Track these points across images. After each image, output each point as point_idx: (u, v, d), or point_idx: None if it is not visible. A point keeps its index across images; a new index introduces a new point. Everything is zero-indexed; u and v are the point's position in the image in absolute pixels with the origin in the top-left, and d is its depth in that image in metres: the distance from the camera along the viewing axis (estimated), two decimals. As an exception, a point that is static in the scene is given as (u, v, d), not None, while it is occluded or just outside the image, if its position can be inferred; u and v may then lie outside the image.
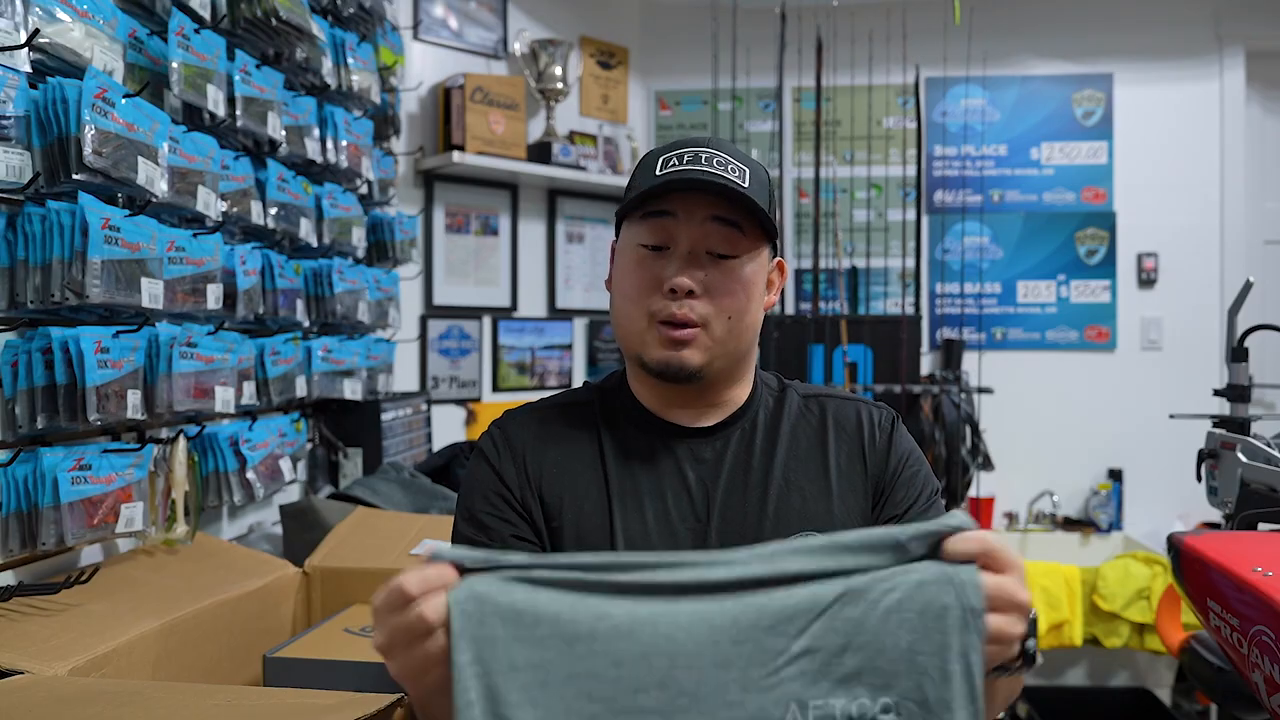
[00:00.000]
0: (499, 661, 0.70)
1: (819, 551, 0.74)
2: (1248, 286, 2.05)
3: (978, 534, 0.73)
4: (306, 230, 2.08)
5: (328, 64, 2.18)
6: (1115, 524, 3.59)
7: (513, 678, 0.70)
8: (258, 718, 0.95)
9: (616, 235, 1.10)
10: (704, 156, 1.01)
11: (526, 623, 0.70)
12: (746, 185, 1.01)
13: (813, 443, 1.07)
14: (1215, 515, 2.23)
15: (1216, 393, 2.12)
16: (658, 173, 1.02)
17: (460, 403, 3.19)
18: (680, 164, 1.01)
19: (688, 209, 1.01)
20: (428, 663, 0.69)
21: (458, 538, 1.04)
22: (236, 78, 1.79)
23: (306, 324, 2.15)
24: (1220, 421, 1.99)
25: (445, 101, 3.03)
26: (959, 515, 0.74)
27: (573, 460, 1.06)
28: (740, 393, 1.09)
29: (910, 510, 1.05)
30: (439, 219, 3.12)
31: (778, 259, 1.11)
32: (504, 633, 0.70)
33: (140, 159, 1.42)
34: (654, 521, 1.02)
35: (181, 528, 1.61)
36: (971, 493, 3.38)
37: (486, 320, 3.29)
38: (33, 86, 1.30)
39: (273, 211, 1.95)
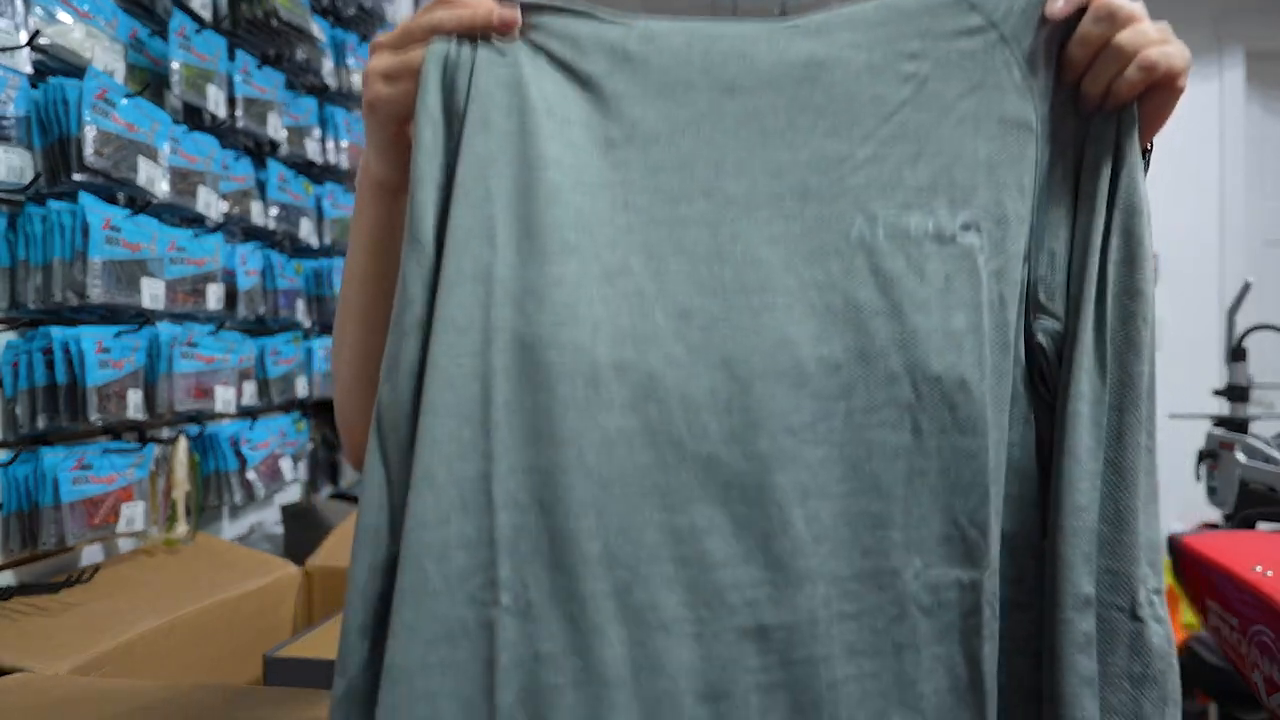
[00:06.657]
0: (538, 130, 0.61)
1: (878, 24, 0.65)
2: (1246, 287, 2.05)
3: None
4: (307, 230, 2.08)
5: (328, 64, 2.19)
6: (1115, 524, 3.59)
7: (543, 171, 0.61)
8: (257, 718, 0.95)
9: None
10: None
11: (558, 117, 0.62)
12: None
13: None
14: (1215, 515, 2.23)
15: (1216, 393, 2.13)
16: None
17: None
18: None
19: None
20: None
21: None
22: (237, 78, 1.79)
23: (308, 324, 2.15)
24: (1220, 421, 1.99)
25: (445, 102, 3.03)
26: None
27: None
28: None
29: None
30: (439, 219, 3.12)
31: None
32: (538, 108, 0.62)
33: (141, 159, 1.42)
34: None
35: (182, 527, 1.62)
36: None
37: (487, 320, 3.28)
38: (33, 87, 1.30)
39: (273, 212, 1.95)
